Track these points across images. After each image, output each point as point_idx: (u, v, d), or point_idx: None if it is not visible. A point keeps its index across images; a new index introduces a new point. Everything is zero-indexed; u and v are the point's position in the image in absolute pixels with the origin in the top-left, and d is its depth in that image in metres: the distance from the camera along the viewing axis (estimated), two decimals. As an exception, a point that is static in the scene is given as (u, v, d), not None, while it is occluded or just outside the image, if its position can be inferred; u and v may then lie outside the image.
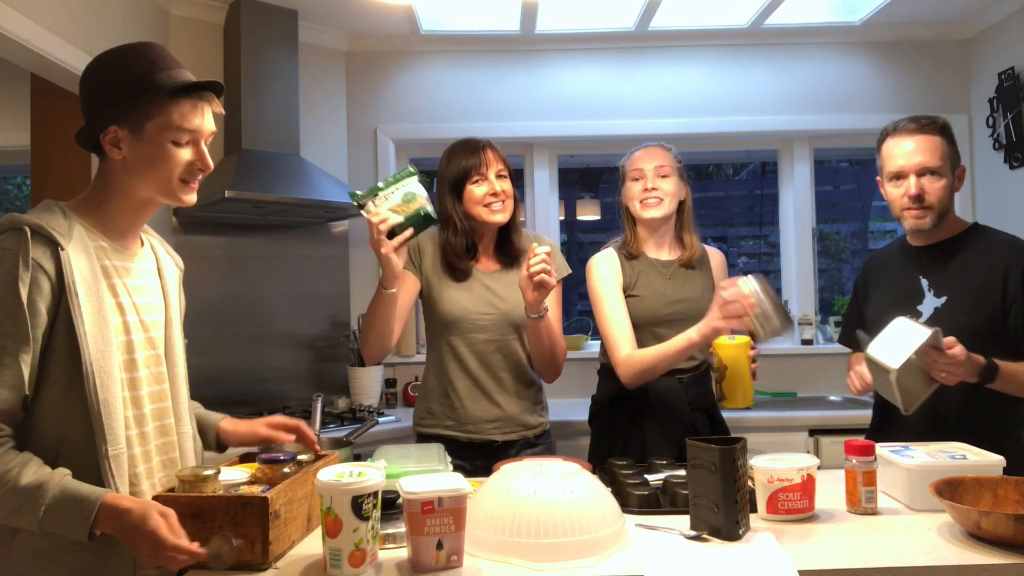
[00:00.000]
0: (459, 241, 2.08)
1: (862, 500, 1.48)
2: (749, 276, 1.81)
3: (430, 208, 1.87)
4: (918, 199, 1.83)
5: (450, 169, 2.10)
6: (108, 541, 1.19)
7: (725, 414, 2.20)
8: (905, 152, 1.85)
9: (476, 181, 2.06)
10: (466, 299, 2.08)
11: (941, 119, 1.89)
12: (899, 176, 1.87)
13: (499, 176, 2.07)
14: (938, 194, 1.84)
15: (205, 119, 1.33)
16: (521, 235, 2.16)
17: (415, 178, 1.89)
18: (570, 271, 2.23)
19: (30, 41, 2.21)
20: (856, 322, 2.06)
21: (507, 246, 2.14)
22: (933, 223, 1.86)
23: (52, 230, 1.22)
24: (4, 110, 3.76)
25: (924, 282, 1.91)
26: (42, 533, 1.17)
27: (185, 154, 1.31)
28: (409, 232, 1.84)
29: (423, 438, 2.12)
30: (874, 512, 1.48)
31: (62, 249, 1.22)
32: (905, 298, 1.92)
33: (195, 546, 1.15)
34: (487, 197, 2.05)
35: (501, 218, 2.07)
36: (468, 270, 2.10)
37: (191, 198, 1.36)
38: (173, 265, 1.52)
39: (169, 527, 1.15)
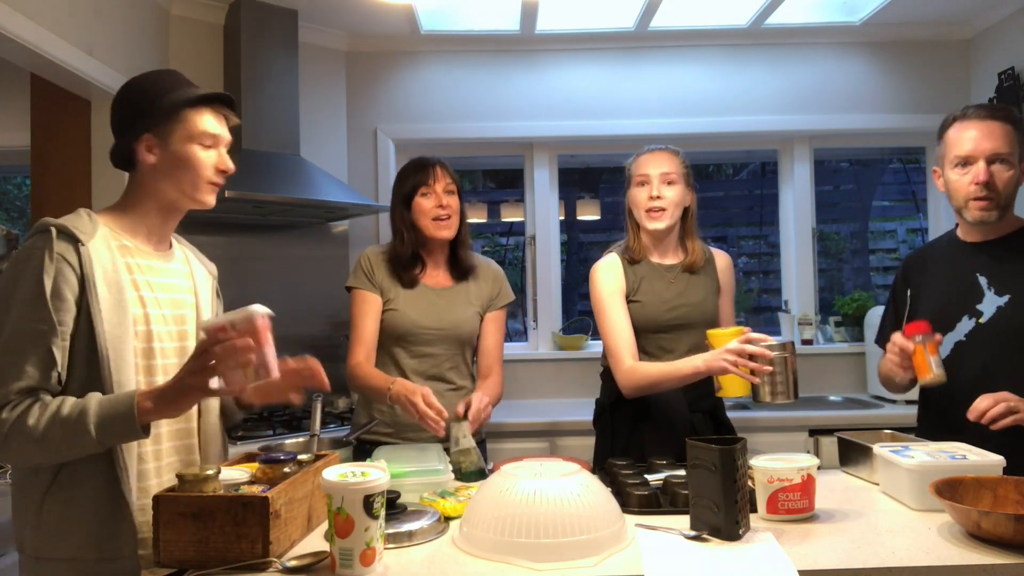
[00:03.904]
0: (405, 250, 2.19)
1: (933, 367, 1.63)
2: (784, 343, 1.77)
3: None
4: (987, 186, 1.73)
5: (402, 184, 2.20)
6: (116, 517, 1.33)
7: (729, 413, 2.19)
8: (974, 137, 1.75)
9: (425, 194, 2.15)
10: (416, 313, 2.15)
11: (1011, 109, 1.80)
12: (966, 162, 1.76)
13: (447, 191, 2.16)
14: (1005, 184, 1.75)
15: (224, 126, 1.52)
16: (469, 252, 2.26)
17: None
18: (512, 298, 2.31)
19: (30, 41, 2.21)
20: (894, 324, 1.98)
21: (457, 261, 2.23)
22: (998, 216, 1.77)
23: (75, 229, 1.36)
24: (4, 110, 3.76)
25: (982, 279, 1.82)
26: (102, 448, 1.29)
27: (211, 157, 1.49)
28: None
29: (363, 444, 2.09)
30: (943, 379, 1.66)
31: (83, 245, 1.35)
32: (962, 297, 1.84)
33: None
34: (435, 210, 2.14)
35: (447, 234, 2.18)
36: (415, 279, 2.20)
37: (212, 199, 1.52)
38: (206, 273, 1.64)
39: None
